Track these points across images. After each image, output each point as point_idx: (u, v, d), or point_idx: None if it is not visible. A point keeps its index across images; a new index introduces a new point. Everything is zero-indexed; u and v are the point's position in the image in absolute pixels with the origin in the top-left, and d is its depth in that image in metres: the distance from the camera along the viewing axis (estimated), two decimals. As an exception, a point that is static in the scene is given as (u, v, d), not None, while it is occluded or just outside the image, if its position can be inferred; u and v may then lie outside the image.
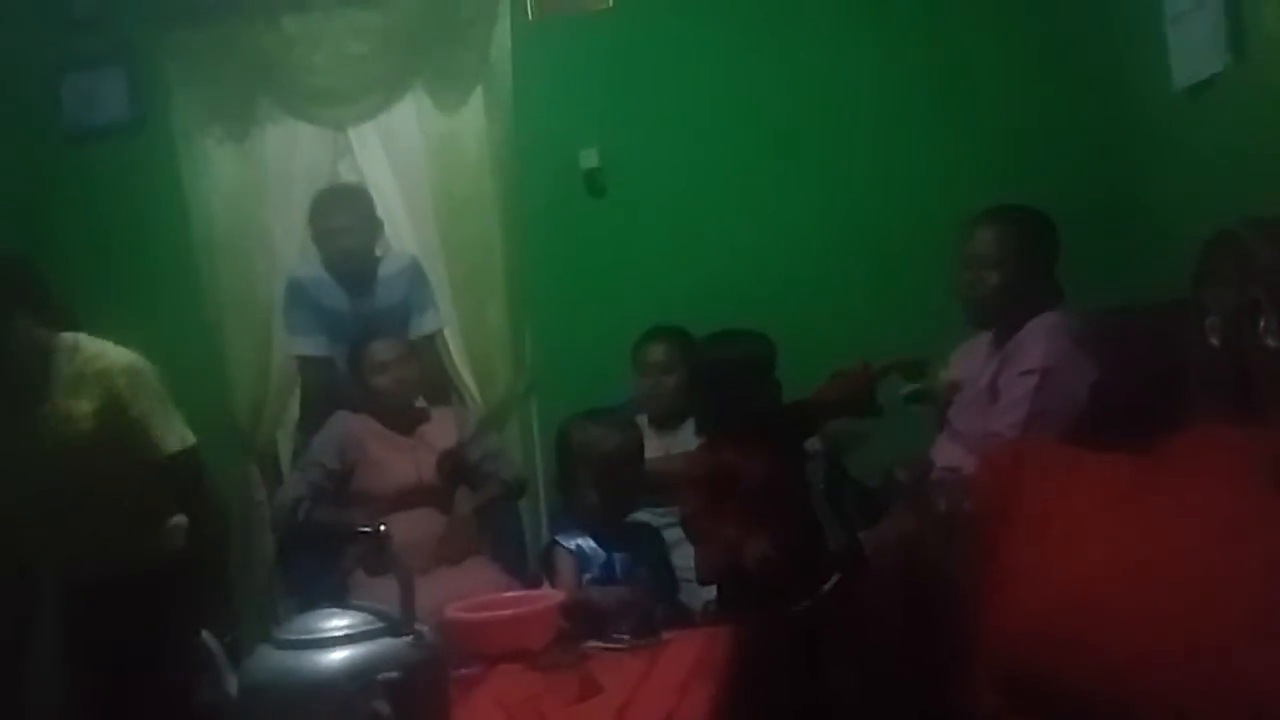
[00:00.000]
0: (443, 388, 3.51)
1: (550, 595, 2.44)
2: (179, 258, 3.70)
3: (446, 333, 3.58)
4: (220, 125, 3.69)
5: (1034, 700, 1.83)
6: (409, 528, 2.88)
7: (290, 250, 3.63)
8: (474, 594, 2.54)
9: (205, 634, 1.66)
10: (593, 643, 2.21)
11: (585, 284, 3.59)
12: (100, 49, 3.81)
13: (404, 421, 3.18)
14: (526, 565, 3.15)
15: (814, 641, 2.35)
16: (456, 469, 3.16)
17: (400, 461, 3.12)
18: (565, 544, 2.48)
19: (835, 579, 2.40)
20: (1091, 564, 1.85)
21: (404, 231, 3.66)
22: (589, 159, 3.58)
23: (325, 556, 3.00)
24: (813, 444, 2.66)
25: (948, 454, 2.61)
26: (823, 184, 3.50)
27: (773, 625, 2.35)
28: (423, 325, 3.42)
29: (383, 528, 1.93)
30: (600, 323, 3.48)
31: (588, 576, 2.41)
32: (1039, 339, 2.54)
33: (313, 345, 3.37)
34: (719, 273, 3.49)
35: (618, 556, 2.43)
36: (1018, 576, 1.96)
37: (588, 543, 2.45)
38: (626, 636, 2.22)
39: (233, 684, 1.61)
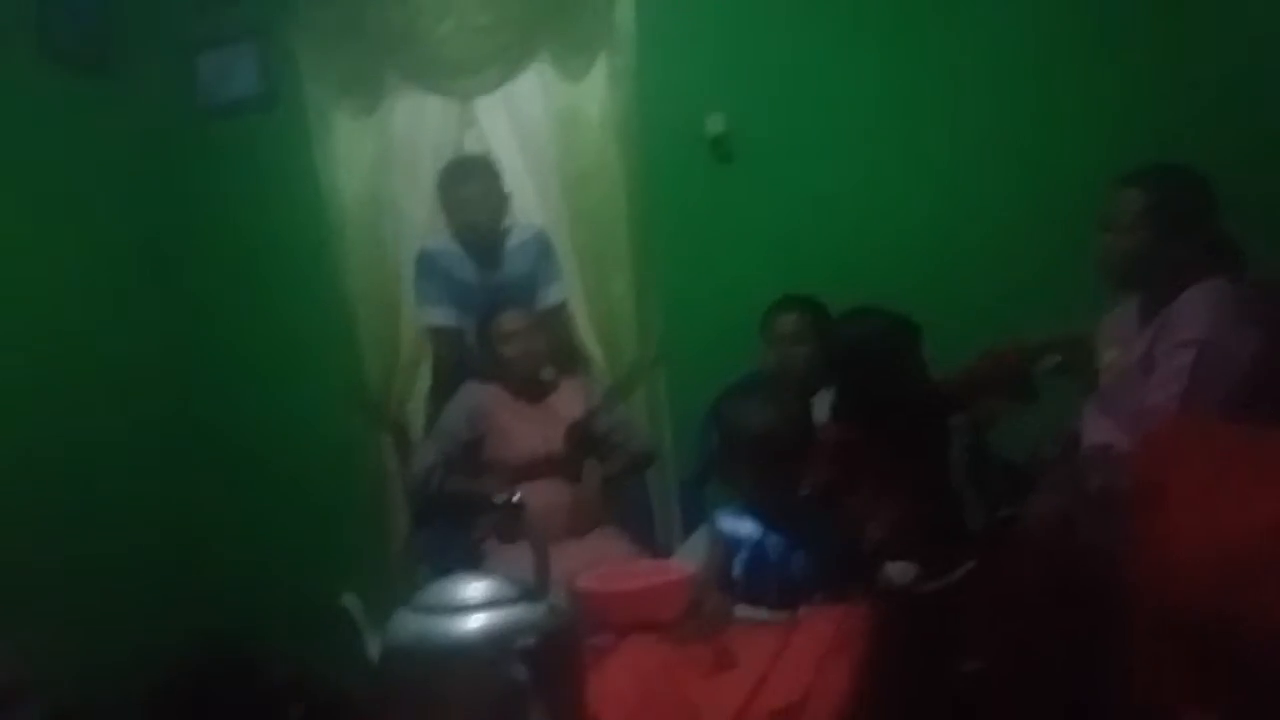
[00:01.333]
0: (570, 358, 3.50)
1: (681, 567, 2.41)
2: (311, 231, 3.77)
3: (573, 303, 3.57)
4: (350, 99, 3.75)
5: (1203, 681, 1.74)
6: (537, 498, 2.87)
7: (419, 222, 3.66)
8: (601, 565, 2.53)
9: (347, 597, 1.68)
10: (728, 615, 2.17)
11: (713, 253, 3.52)
12: (233, 26, 3.92)
13: (532, 392, 3.19)
14: (654, 536, 3.13)
15: (952, 622, 2.27)
16: (584, 439, 3.15)
17: (529, 431, 3.12)
18: (718, 523, 2.40)
19: (970, 564, 2.30)
20: (1262, 537, 1.75)
21: (530, 202, 3.65)
22: (715, 124, 3.50)
23: (458, 525, 3.03)
24: (955, 420, 2.56)
25: (1098, 429, 2.48)
26: (961, 145, 3.34)
27: (907, 603, 2.28)
28: (550, 296, 3.43)
29: (517, 497, 1.92)
30: (728, 292, 3.42)
31: (740, 557, 2.32)
32: (1197, 308, 2.38)
33: (442, 316, 3.41)
34: (851, 240, 3.38)
35: (772, 538, 2.31)
36: (1180, 555, 1.86)
37: (744, 523, 2.34)
38: (762, 610, 2.18)
39: (375, 647, 1.63)
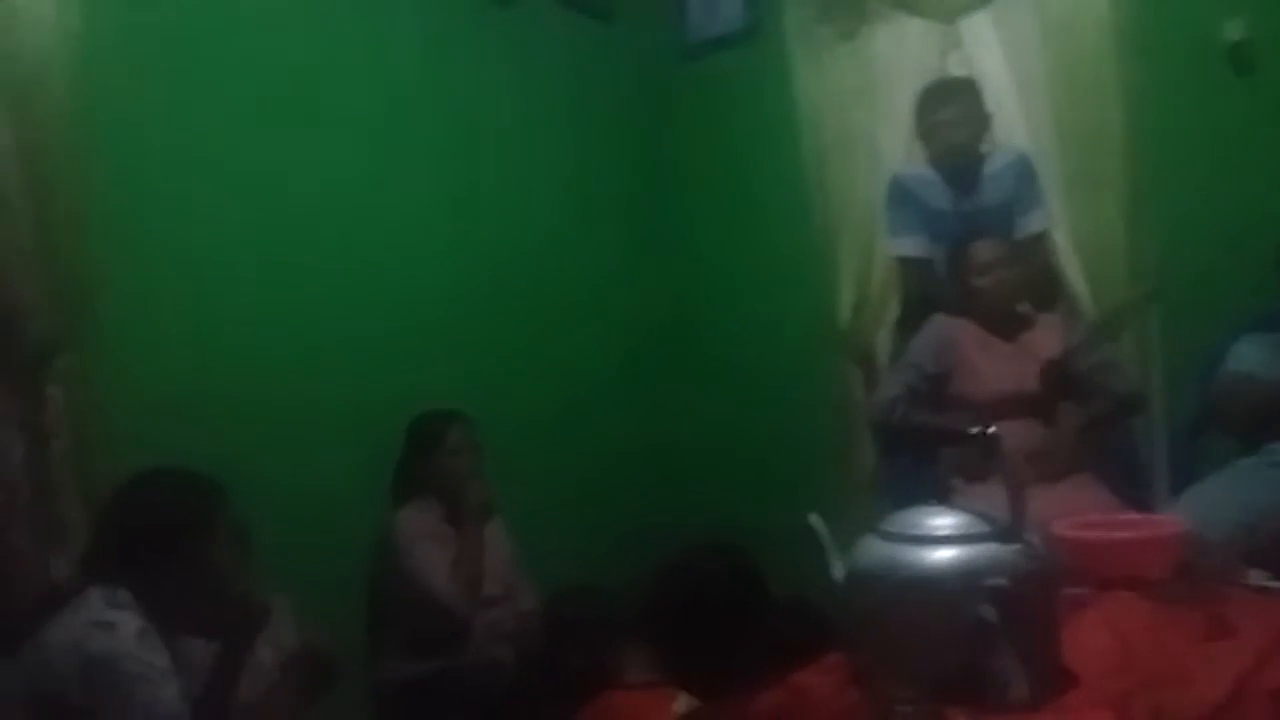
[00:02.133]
0: (1050, 292, 3.27)
1: (1173, 522, 2.20)
2: (790, 160, 3.80)
3: (1057, 232, 3.33)
4: (830, 26, 3.71)
5: None
6: (1007, 439, 2.73)
7: (895, 149, 3.58)
8: (1075, 514, 2.36)
9: (813, 517, 1.70)
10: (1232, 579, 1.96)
11: (1221, 176, 3.12)
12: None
13: (1006, 326, 3.03)
14: (1139, 488, 2.88)
15: None
16: (1062, 380, 2.95)
17: (1000, 369, 2.98)
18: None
19: None
20: None
21: (1015, 124, 3.43)
22: (1234, 30, 3.11)
23: (920, 459, 2.97)
24: None
25: None
26: None
27: None
28: (1030, 224, 3.23)
29: (992, 430, 1.84)
30: (1236, 221, 3.03)
31: None
32: None
33: (913, 245, 3.32)
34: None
35: None
36: None
37: None
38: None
39: (840, 569, 1.65)
